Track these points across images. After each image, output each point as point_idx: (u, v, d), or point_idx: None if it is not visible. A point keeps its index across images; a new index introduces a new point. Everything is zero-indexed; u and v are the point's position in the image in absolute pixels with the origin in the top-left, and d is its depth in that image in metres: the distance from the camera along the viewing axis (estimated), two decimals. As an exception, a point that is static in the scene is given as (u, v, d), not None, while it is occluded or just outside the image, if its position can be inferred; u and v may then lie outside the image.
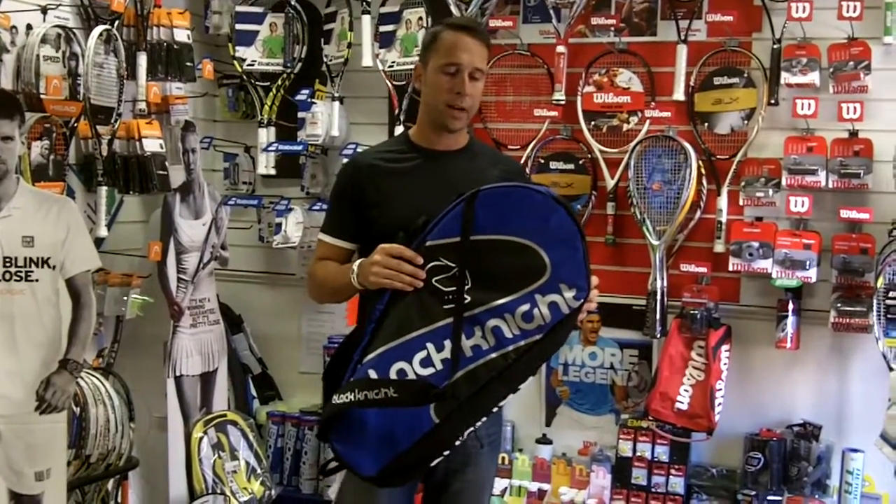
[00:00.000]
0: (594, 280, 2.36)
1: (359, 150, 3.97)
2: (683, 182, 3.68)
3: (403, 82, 4.00)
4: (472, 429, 2.33)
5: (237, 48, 4.19)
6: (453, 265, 2.30)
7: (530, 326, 2.28)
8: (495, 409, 2.37)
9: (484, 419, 2.35)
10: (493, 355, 2.28)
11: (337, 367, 2.42)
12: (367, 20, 4.05)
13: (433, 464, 2.38)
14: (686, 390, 3.63)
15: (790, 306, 3.56)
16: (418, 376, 2.27)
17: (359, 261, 2.43)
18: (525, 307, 2.27)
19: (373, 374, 2.28)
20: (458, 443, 2.34)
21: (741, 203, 3.69)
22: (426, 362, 2.28)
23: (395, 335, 2.30)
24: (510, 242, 2.29)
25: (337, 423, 2.33)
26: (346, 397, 2.26)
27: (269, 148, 4.15)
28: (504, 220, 2.30)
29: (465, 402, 2.27)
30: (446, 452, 2.35)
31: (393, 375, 2.28)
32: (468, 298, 2.28)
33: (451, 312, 2.28)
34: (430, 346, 2.28)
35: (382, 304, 2.35)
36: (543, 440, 4.02)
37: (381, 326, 2.33)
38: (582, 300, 2.28)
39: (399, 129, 3.95)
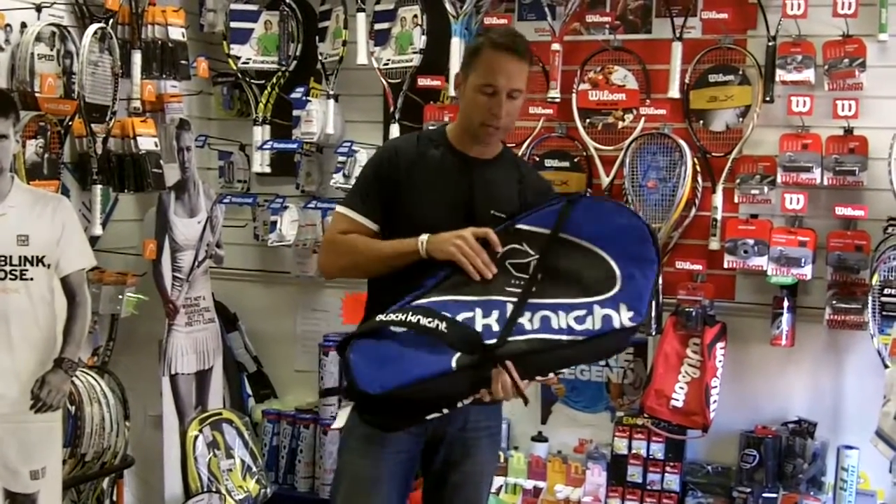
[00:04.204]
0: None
1: (354, 147, 4.00)
2: (678, 179, 3.68)
3: (398, 80, 4.00)
4: (474, 396, 2.31)
5: (232, 46, 4.17)
6: (532, 253, 2.40)
7: (579, 327, 2.33)
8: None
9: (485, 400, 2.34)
10: (533, 336, 2.31)
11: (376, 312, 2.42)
12: (361, 18, 4.04)
13: (426, 419, 2.36)
14: (681, 387, 3.63)
15: (785, 303, 3.57)
16: None
17: (429, 235, 2.44)
18: (581, 312, 2.33)
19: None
20: (459, 405, 2.32)
21: (736, 200, 3.69)
22: (469, 322, 2.33)
23: (451, 292, 2.37)
24: (593, 252, 2.39)
25: (365, 339, 2.35)
26: (397, 316, 2.32)
27: (264, 146, 4.14)
28: (596, 230, 2.40)
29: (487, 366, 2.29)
30: (445, 411, 2.33)
31: None
32: (534, 289, 2.36)
33: (515, 295, 2.35)
34: (478, 310, 2.34)
35: (445, 271, 2.41)
36: (539, 438, 4.02)
37: (440, 284, 2.40)
38: (636, 323, 2.33)
39: (394, 127, 3.97)
